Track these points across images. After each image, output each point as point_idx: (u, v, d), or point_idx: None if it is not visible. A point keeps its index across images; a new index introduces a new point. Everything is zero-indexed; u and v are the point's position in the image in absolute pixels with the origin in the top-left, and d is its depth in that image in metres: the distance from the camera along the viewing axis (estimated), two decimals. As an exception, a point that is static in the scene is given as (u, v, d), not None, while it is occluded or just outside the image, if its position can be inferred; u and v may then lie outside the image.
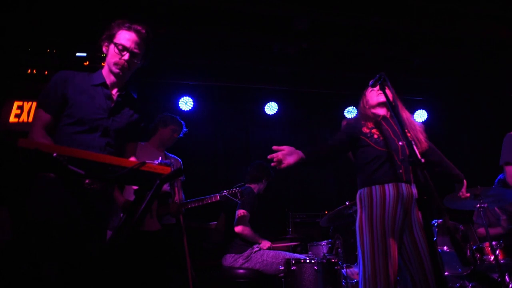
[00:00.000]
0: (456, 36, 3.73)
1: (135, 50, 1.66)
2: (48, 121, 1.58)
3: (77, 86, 1.63)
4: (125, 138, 1.72)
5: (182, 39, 3.71)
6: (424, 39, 3.79)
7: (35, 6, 3.00)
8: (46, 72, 3.09)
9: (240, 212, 2.99)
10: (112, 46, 1.65)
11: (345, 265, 2.81)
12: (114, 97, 1.69)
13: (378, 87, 1.84)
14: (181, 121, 2.97)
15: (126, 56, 1.64)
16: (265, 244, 3.04)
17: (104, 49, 1.70)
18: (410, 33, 3.67)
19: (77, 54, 3.18)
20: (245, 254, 2.93)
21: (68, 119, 1.58)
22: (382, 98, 1.97)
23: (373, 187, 1.79)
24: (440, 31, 3.61)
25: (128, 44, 1.64)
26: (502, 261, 2.45)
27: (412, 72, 4.34)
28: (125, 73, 1.68)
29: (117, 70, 1.65)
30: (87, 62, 3.18)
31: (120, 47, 1.63)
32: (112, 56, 1.65)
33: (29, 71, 3.07)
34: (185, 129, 2.99)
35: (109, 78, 1.70)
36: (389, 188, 1.77)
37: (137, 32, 1.66)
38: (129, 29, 1.65)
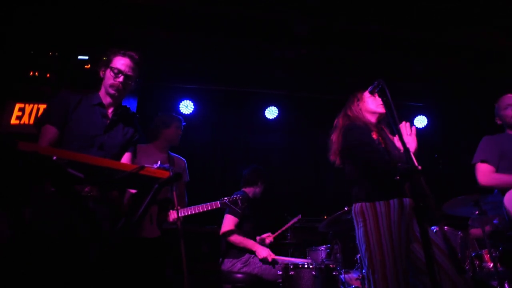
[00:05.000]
0: (455, 43, 3.75)
1: (129, 73, 1.85)
2: (54, 136, 1.71)
3: (77, 105, 1.79)
4: (121, 151, 1.86)
5: (183, 43, 3.73)
6: (423, 46, 3.81)
7: (37, 9, 3.03)
8: (48, 75, 3.12)
9: (228, 217, 2.97)
10: (108, 70, 1.84)
11: (343, 270, 2.80)
12: (110, 116, 1.86)
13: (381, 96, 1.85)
14: (178, 116, 2.94)
15: (121, 78, 1.83)
16: (262, 252, 2.85)
17: (101, 74, 1.88)
18: (409, 39, 3.69)
19: (79, 57, 3.21)
20: (243, 258, 2.92)
21: (67, 135, 1.72)
22: (381, 110, 1.96)
23: (377, 203, 1.74)
24: (440, 38, 3.64)
25: (122, 68, 1.84)
26: (501, 268, 2.44)
27: (412, 78, 4.35)
28: (120, 94, 1.86)
29: (113, 91, 1.83)
30: (89, 65, 3.20)
31: (115, 70, 1.83)
32: (108, 79, 1.84)
33: (31, 73, 3.10)
34: (183, 123, 2.93)
35: (106, 99, 1.87)
36: (394, 204, 1.72)
37: (130, 57, 1.86)
38: (123, 55, 1.85)
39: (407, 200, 1.76)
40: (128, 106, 2.01)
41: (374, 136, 1.88)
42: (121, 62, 1.84)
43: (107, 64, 1.85)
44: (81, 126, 1.74)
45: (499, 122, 2.58)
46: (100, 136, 1.77)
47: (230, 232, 2.93)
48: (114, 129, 1.85)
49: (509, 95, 2.52)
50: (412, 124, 1.96)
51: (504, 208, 2.22)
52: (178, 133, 2.86)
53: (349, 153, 1.93)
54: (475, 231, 2.96)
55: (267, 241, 3.09)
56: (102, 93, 1.89)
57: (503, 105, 2.50)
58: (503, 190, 2.32)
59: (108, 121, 1.83)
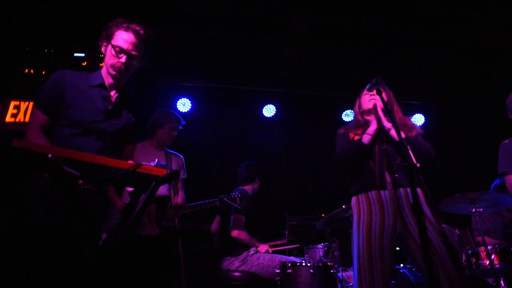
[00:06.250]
0: (452, 41, 3.76)
1: (133, 52, 1.60)
2: (44, 122, 1.55)
3: (75, 87, 1.58)
4: (122, 140, 1.69)
5: (181, 40, 3.71)
6: (421, 44, 3.81)
7: (33, 5, 3.00)
8: (43, 72, 3.08)
9: (236, 216, 2.99)
10: (109, 47, 1.60)
11: (341, 268, 2.81)
12: (112, 99, 1.64)
13: (374, 91, 1.86)
14: (178, 115, 2.86)
15: (123, 58, 1.59)
16: (263, 247, 3.04)
17: (102, 49, 1.64)
18: (407, 37, 3.69)
19: (75, 54, 3.18)
20: (241, 257, 2.93)
21: (64, 120, 1.55)
22: (369, 106, 1.99)
23: (360, 196, 1.84)
24: (437, 36, 3.64)
25: (125, 46, 1.58)
26: (497, 265, 2.45)
27: (410, 76, 4.36)
28: (122, 75, 1.63)
29: (114, 72, 1.61)
30: (85, 63, 3.17)
31: (117, 49, 1.58)
32: (110, 57, 1.60)
33: (26, 71, 3.06)
34: (183, 122, 2.87)
35: (108, 79, 1.64)
36: (372, 196, 1.80)
37: (135, 32, 1.59)
38: (127, 29, 1.59)
39: (384, 193, 1.78)
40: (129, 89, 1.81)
41: (351, 136, 1.98)
42: (124, 39, 1.57)
43: (109, 39, 1.59)
44: (78, 111, 1.54)
45: (510, 116, 2.58)
46: (100, 123, 1.57)
47: (239, 231, 2.96)
48: (117, 114, 1.63)
49: None
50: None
51: None
52: (172, 134, 2.78)
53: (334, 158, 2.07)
54: (480, 239, 2.95)
55: (262, 251, 3.10)
56: (104, 71, 1.65)
57: None
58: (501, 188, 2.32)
59: (111, 106, 1.61)
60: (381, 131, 1.85)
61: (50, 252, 1.40)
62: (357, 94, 2.17)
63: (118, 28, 1.60)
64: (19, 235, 1.41)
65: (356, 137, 1.90)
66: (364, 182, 1.82)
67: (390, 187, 1.79)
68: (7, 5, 2.92)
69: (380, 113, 1.86)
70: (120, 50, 1.58)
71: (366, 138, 1.83)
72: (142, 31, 1.61)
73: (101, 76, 1.64)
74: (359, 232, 1.75)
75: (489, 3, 3.25)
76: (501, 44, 3.69)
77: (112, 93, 1.65)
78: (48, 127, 1.55)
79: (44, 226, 1.42)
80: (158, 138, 2.78)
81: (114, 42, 1.59)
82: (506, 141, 2.52)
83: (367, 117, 2.01)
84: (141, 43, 1.61)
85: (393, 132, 1.80)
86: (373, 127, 1.84)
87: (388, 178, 1.80)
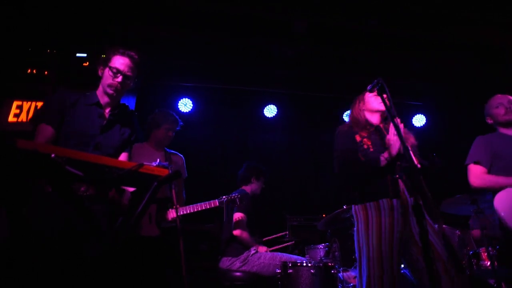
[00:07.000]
0: (454, 41, 3.76)
1: (128, 73, 1.83)
2: (50, 135, 1.69)
3: (73, 105, 1.78)
4: (117, 152, 1.86)
5: (182, 41, 3.72)
6: (422, 44, 3.82)
7: (36, 6, 3.01)
8: (46, 72, 3.10)
9: (238, 215, 2.99)
10: (107, 70, 1.81)
11: (341, 269, 2.81)
12: (107, 116, 1.84)
13: (375, 92, 1.85)
14: (175, 116, 2.87)
15: (120, 78, 1.81)
16: (262, 248, 3.05)
17: (99, 72, 1.86)
18: (407, 37, 3.69)
19: (77, 54, 3.19)
20: (242, 257, 2.93)
21: (63, 135, 1.71)
22: (383, 108, 1.98)
23: (367, 204, 1.79)
24: (438, 36, 3.64)
25: (121, 67, 1.81)
26: (498, 268, 2.44)
27: (411, 76, 4.36)
28: (118, 94, 1.85)
29: (111, 91, 1.81)
30: (87, 63, 3.18)
31: (114, 70, 1.80)
32: (107, 78, 1.81)
33: (28, 71, 3.08)
34: (180, 123, 2.88)
35: (103, 99, 1.85)
36: (383, 204, 1.75)
37: (130, 57, 1.83)
38: (123, 54, 1.82)
39: (396, 201, 1.75)
40: (126, 104, 1.98)
41: (358, 138, 1.90)
42: (120, 62, 1.81)
43: (106, 63, 1.82)
44: (77, 126, 1.73)
45: (490, 121, 2.62)
46: (96, 136, 1.76)
47: (241, 231, 2.97)
48: (111, 129, 1.83)
49: (499, 95, 2.56)
50: (410, 122, 1.99)
51: (495, 209, 2.21)
52: (168, 135, 2.79)
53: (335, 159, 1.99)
54: (477, 233, 2.96)
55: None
56: (99, 92, 1.87)
57: (495, 104, 2.53)
58: (494, 191, 2.31)
59: (105, 122, 1.82)
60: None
61: (51, 253, 1.41)
62: (358, 94, 2.18)
63: (114, 53, 1.83)
64: (20, 236, 1.42)
65: (365, 141, 1.84)
66: (375, 191, 1.77)
67: (403, 195, 1.76)
68: (9, 5, 2.93)
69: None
70: (117, 71, 1.81)
71: (383, 163, 1.74)
72: (136, 56, 1.85)
73: (96, 96, 1.86)
74: (368, 238, 1.71)
75: (489, 3, 3.26)
76: (501, 44, 3.69)
77: (107, 110, 1.86)
78: (53, 140, 1.69)
79: (45, 226, 1.44)
80: (155, 139, 2.79)
81: (111, 64, 1.82)
82: (483, 136, 2.56)
83: (369, 117, 2.01)
84: (135, 66, 1.85)
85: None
86: (388, 155, 1.74)
87: (401, 185, 1.77)
